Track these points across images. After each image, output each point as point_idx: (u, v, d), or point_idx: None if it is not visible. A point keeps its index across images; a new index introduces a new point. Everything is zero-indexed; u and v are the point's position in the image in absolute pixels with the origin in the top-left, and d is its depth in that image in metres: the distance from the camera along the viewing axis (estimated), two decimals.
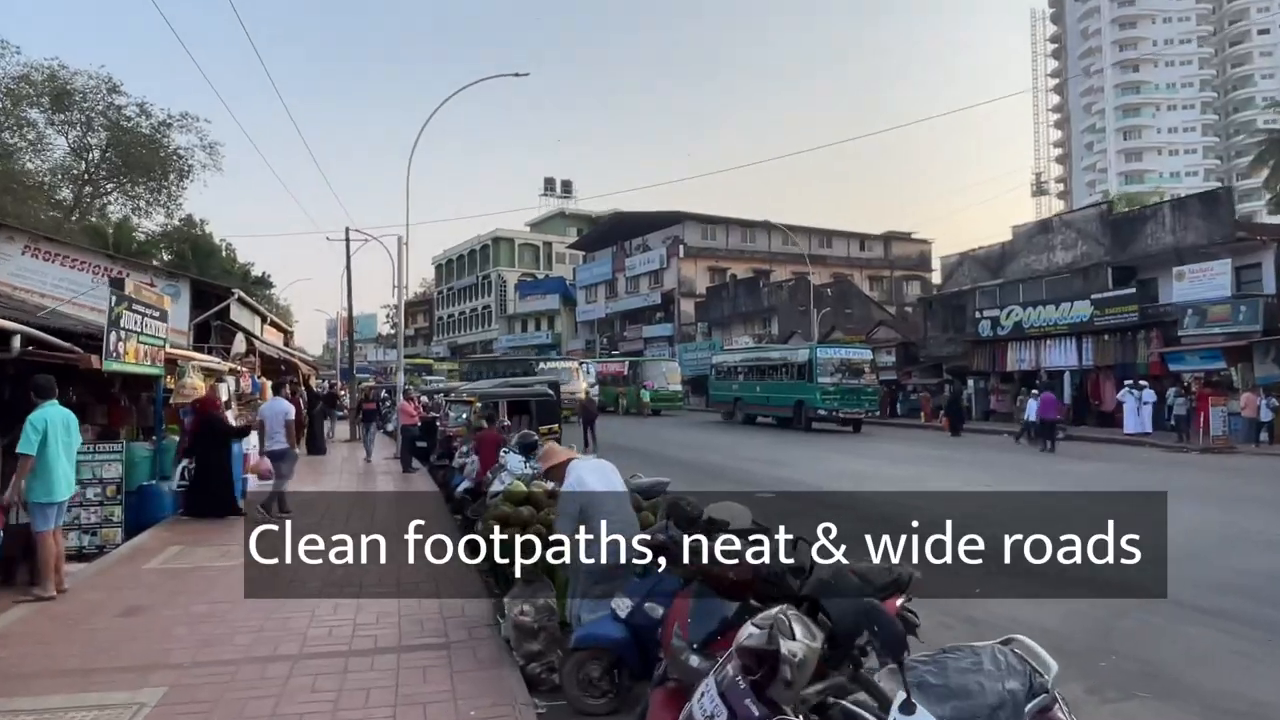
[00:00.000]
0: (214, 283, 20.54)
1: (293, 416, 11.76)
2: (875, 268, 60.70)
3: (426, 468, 15.15)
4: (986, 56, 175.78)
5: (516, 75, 21.16)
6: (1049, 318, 26.55)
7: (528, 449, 8.63)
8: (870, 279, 58.28)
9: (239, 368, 18.81)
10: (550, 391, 14.73)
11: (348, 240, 22.22)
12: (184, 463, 10.95)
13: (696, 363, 40.59)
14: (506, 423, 13.60)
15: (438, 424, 16.46)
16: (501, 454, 9.07)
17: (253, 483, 12.19)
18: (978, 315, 29.43)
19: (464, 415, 14.18)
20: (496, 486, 7.44)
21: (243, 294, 18.91)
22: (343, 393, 31.18)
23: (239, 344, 16.68)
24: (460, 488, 10.45)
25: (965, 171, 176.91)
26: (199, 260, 46.43)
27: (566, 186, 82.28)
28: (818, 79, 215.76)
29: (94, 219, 39.87)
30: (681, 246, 54.30)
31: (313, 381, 32.80)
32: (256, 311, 21.66)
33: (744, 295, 46.14)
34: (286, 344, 30.44)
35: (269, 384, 19.30)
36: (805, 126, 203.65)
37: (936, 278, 64.62)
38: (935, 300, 34.84)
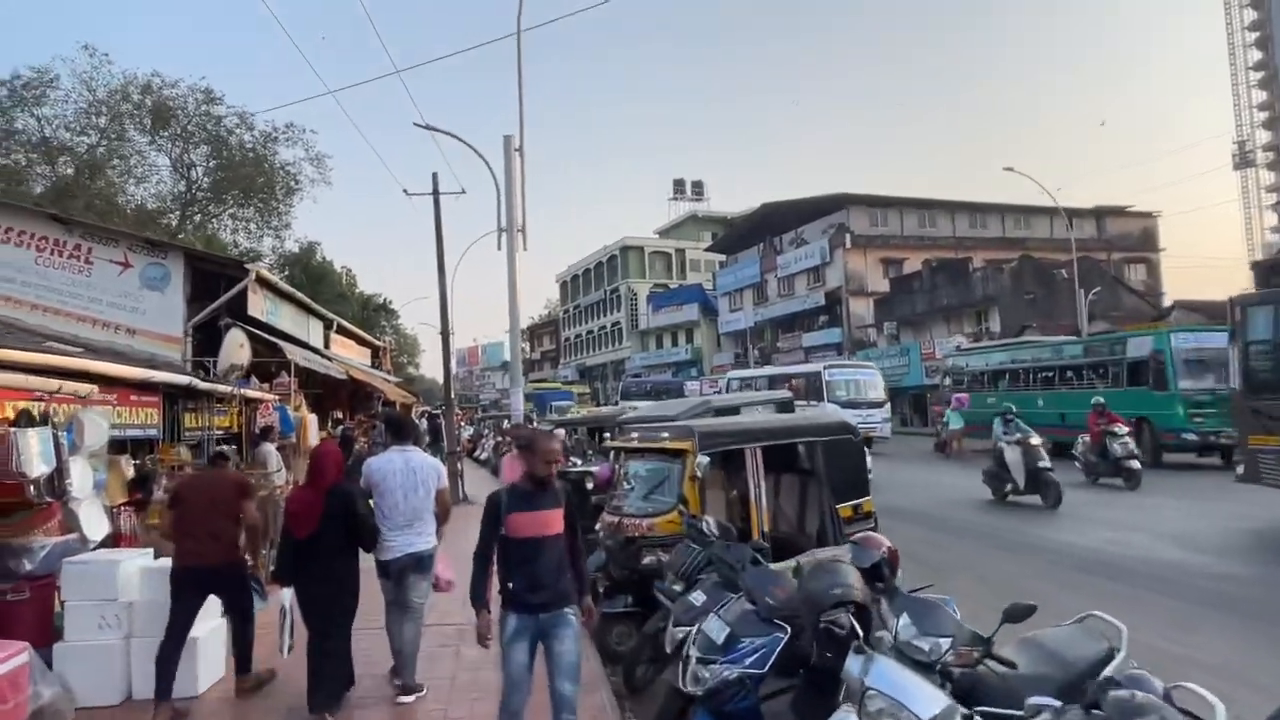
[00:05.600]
0: (220, 255, 13.49)
1: (445, 482, 5.44)
2: (1088, 249, 49.25)
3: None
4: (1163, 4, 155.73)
5: None
6: None
7: None
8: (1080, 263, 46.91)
9: (265, 395, 11.53)
10: (850, 428, 6.46)
11: (436, 194, 14.83)
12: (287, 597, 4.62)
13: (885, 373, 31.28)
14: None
15: (590, 485, 8.41)
16: None
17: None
18: None
19: (669, 482, 5.76)
20: None
21: (265, 274, 11.63)
22: (459, 420, 24.27)
23: (233, 350, 9.26)
24: None
25: (1149, 141, 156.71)
26: (311, 285, 42.09)
27: (698, 188, 74.74)
28: (958, 52, 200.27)
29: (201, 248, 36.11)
30: (848, 236, 45.08)
31: (415, 412, 26.10)
32: (307, 308, 14.47)
33: (944, 286, 36.41)
34: (378, 365, 23.63)
35: (310, 418, 11.90)
36: (953, 102, 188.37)
37: (1167, 259, 52.74)
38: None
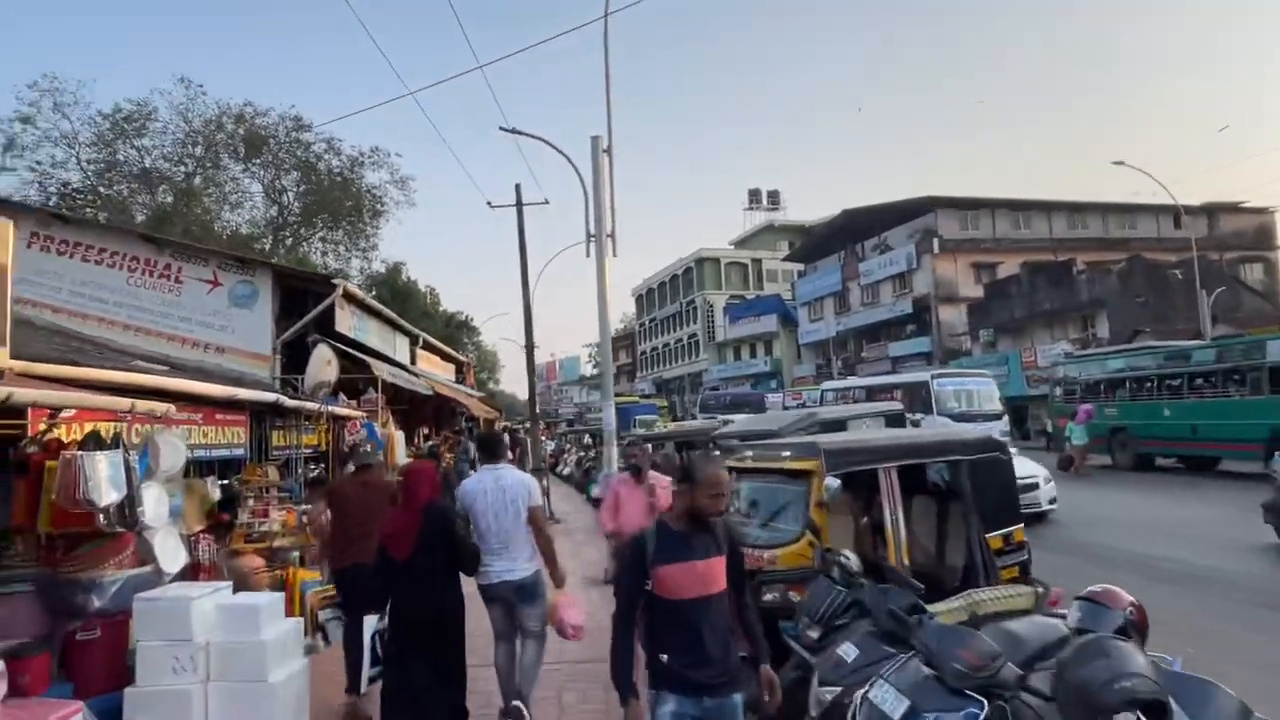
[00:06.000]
0: (307, 271, 13.44)
1: (538, 499, 5.08)
2: (1199, 248, 45.87)
3: None
4: None
5: None
6: None
7: None
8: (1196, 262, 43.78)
9: (353, 412, 11.31)
10: (998, 445, 5.65)
11: (520, 206, 14.49)
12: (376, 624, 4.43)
13: None
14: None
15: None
16: None
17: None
18: None
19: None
20: None
21: (352, 289, 11.44)
22: (543, 437, 23.95)
23: (319, 366, 8.99)
24: None
25: (1259, 137, 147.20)
26: (397, 304, 43.02)
27: (774, 197, 73.52)
28: (1051, 47, 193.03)
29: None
30: (936, 240, 43.26)
31: (497, 427, 25.95)
32: (393, 324, 14.31)
33: (1045, 289, 34.40)
34: (462, 380, 23.57)
35: (397, 435, 11.62)
36: (1038, 97, 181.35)
37: None
38: None
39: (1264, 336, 16.18)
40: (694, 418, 42.96)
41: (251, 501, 7.94)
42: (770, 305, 60.87)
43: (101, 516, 4.03)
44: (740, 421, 10.80)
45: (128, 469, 4.07)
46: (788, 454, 4.91)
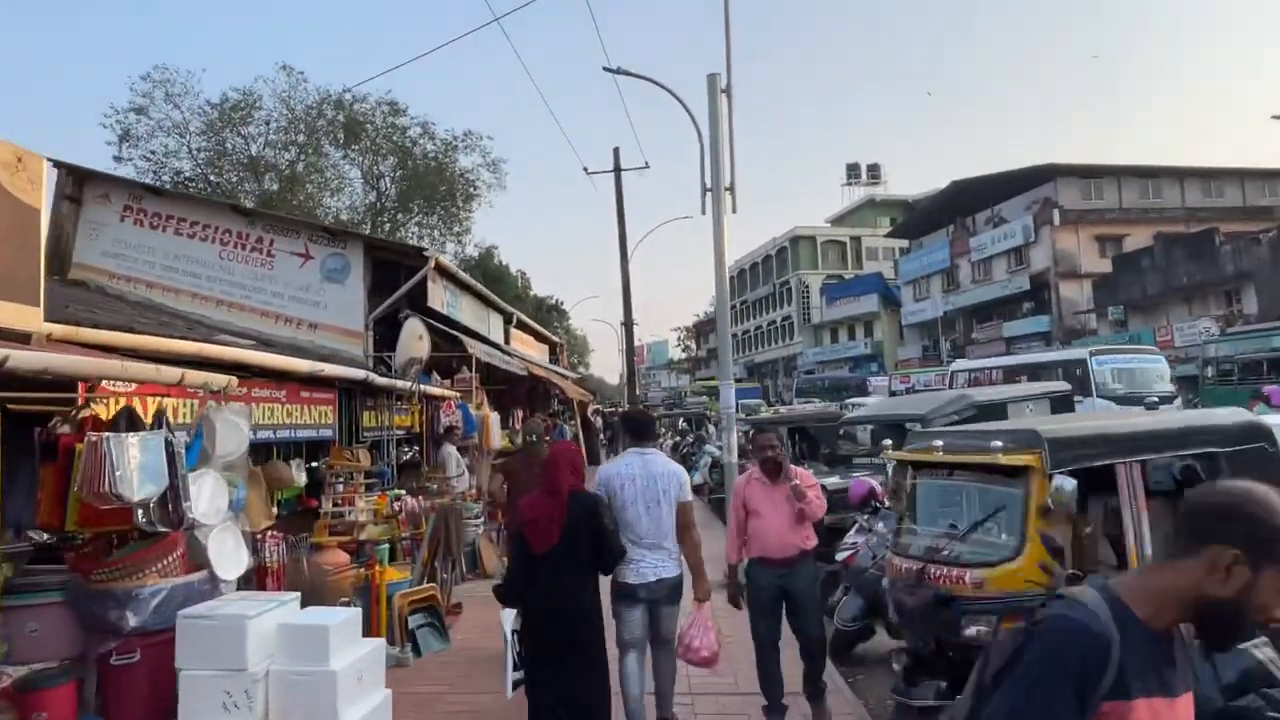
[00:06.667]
0: (398, 243, 12.83)
1: (689, 493, 4.60)
2: None
3: None
4: None
5: None
6: None
7: None
8: None
9: (447, 391, 10.62)
10: (1264, 432, 4.26)
11: (618, 171, 13.50)
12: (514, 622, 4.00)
13: None
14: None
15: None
16: None
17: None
18: None
19: None
20: None
21: (444, 262, 10.72)
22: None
23: (411, 342, 8.24)
24: None
25: None
26: (490, 288, 43.22)
27: (874, 171, 70.41)
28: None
29: None
30: (1056, 211, 40.05)
31: (589, 409, 25.23)
32: (485, 300, 13.61)
33: (1182, 262, 31.18)
34: (555, 361, 22.91)
35: (492, 416, 10.88)
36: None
37: None
38: None
39: None
40: (789, 403, 41.43)
41: (341, 487, 7.27)
42: (870, 284, 58.21)
43: (140, 513, 3.25)
44: (874, 405, 9.52)
45: (170, 454, 3.27)
46: (999, 444, 3.71)
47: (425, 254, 10.41)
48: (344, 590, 5.23)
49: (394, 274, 11.08)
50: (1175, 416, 4.21)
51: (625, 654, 4.27)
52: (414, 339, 8.31)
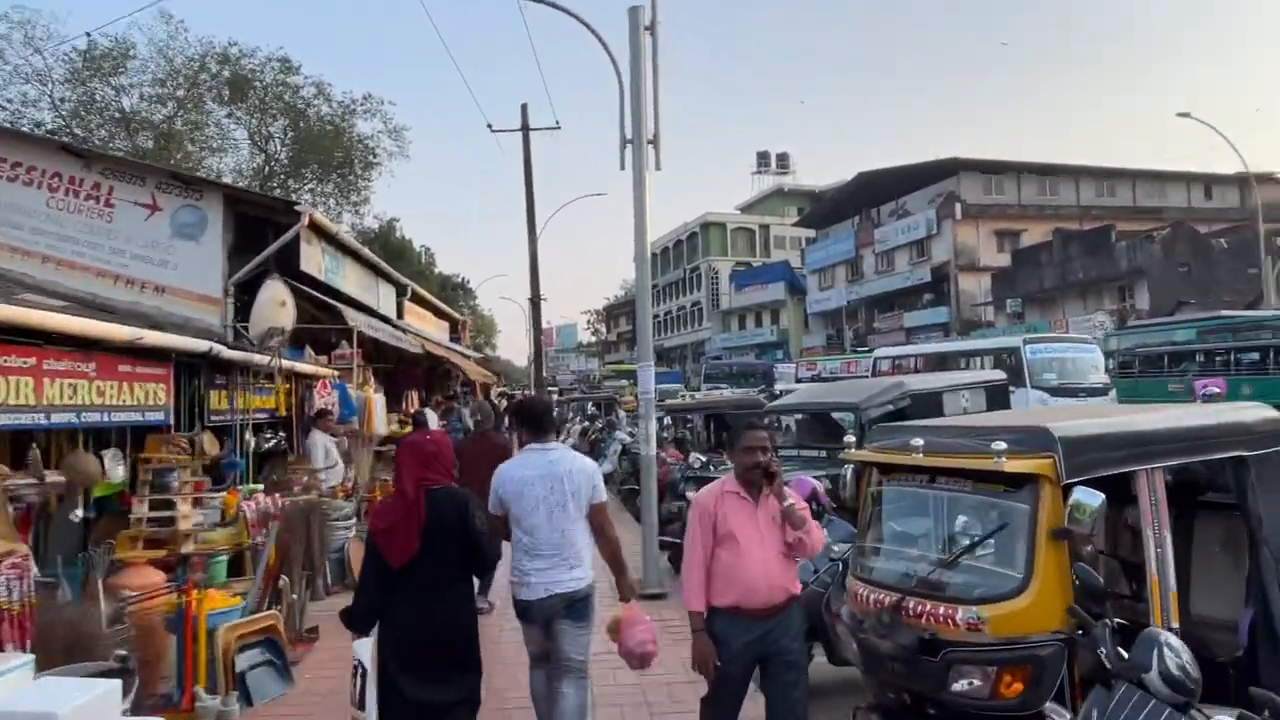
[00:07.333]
0: (265, 195, 11.38)
1: (603, 492, 3.93)
2: (1228, 219, 43.84)
3: None
4: None
5: None
6: None
7: None
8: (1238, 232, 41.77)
9: (322, 369, 9.27)
10: None
11: (525, 130, 12.32)
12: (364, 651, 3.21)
13: None
14: None
15: None
16: None
17: None
18: None
19: None
20: None
21: (321, 219, 9.33)
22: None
23: (270, 308, 6.91)
24: None
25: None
26: (390, 263, 41.06)
27: (783, 160, 70.94)
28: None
29: None
30: (958, 205, 40.98)
31: (494, 392, 23.92)
32: (375, 269, 12.24)
33: (1080, 258, 32.30)
34: (457, 340, 21.49)
35: (377, 399, 9.61)
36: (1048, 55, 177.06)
37: None
38: None
39: None
40: (698, 388, 41.03)
41: (174, 484, 5.93)
42: (778, 273, 58.63)
43: None
44: (802, 391, 8.77)
45: None
46: (1002, 446, 2.88)
47: (297, 208, 8.97)
48: (152, 625, 4.01)
49: (262, 232, 9.60)
50: (1196, 413, 3.49)
51: (532, 669, 3.94)
52: (274, 305, 7.01)
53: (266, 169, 33.20)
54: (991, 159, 42.43)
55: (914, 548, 3.31)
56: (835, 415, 7.19)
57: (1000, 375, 8.51)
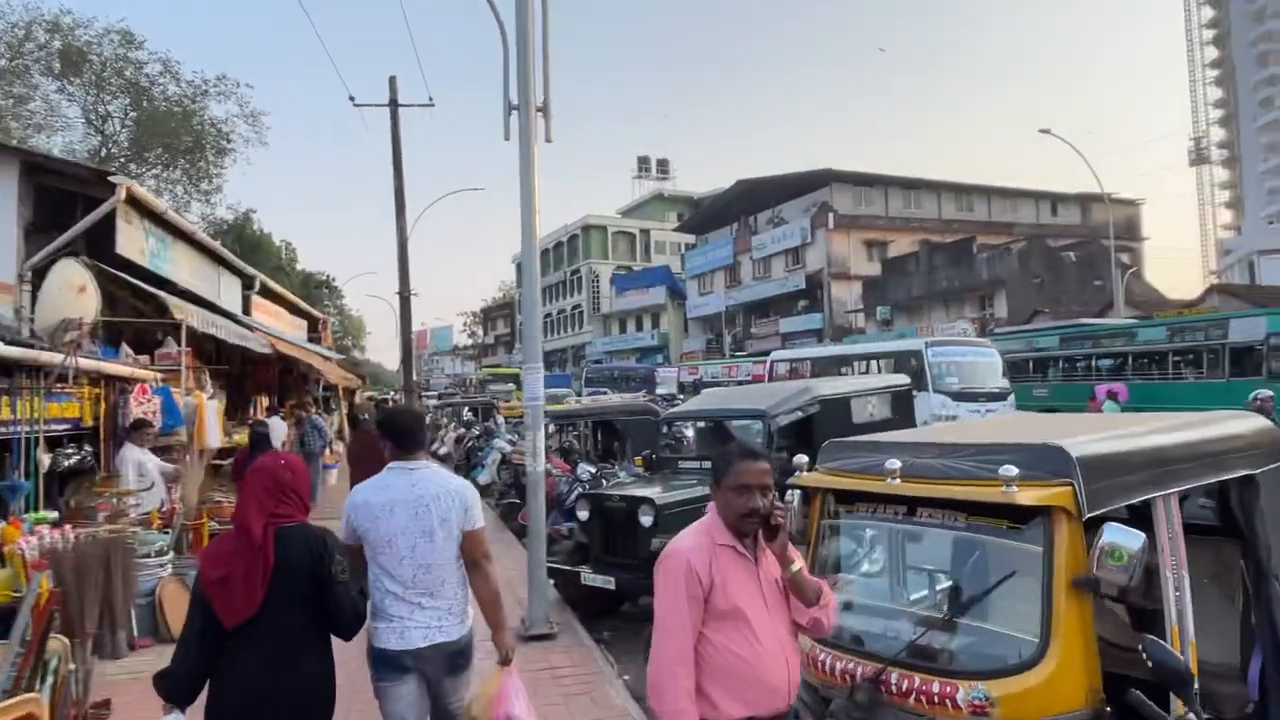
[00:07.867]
0: (73, 163, 9.78)
1: (480, 518, 3.20)
2: (1073, 235, 47.45)
3: None
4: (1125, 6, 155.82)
5: None
6: None
7: None
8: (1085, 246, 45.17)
9: (139, 371, 7.78)
10: None
11: (394, 106, 11.13)
12: None
13: None
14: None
15: (648, 520, 4.70)
16: None
17: None
18: None
19: None
20: None
21: (144, 194, 7.86)
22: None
23: (64, 296, 5.54)
24: None
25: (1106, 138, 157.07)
26: (245, 258, 37.92)
27: (663, 166, 71.32)
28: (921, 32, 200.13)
29: None
30: (831, 215, 42.16)
31: (360, 396, 22.17)
32: (216, 257, 10.71)
33: (944, 268, 33.76)
34: (317, 339, 19.71)
35: (210, 405, 8.21)
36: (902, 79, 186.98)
37: (1150, 247, 51.19)
38: None
39: (1227, 315, 15.14)
40: (579, 394, 40.16)
41: None
42: (659, 277, 58.70)
43: None
44: (703, 397, 8.10)
45: None
46: (1014, 472, 2.21)
47: (112, 179, 7.49)
48: None
49: (70, 209, 8.04)
50: (1198, 425, 2.97)
51: None
52: (70, 290, 5.67)
53: (104, 151, 30.20)
54: (862, 171, 44.06)
55: (890, 601, 2.62)
56: (740, 423, 6.60)
57: (905, 380, 8.19)
